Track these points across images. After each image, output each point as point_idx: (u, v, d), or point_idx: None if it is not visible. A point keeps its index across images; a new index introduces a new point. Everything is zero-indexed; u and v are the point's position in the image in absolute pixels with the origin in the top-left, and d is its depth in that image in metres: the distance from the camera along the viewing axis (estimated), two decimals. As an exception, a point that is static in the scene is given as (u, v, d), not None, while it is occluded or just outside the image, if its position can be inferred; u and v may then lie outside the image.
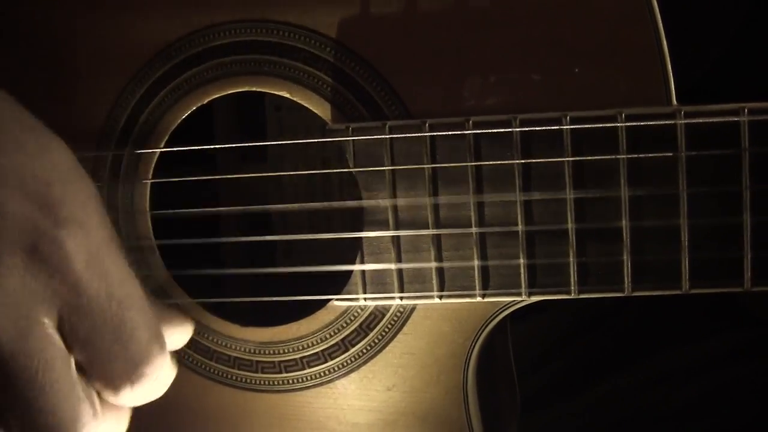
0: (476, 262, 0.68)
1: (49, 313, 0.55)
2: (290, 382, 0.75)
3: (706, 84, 0.76)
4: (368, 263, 0.70)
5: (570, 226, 0.65)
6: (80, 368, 0.57)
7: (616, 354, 0.91)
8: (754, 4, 0.81)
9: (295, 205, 0.84)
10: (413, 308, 0.71)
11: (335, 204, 0.80)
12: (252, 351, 0.76)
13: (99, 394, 0.59)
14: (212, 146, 0.76)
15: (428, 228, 0.68)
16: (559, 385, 0.92)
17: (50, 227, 0.54)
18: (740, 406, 0.86)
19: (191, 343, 0.75)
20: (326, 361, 0.74)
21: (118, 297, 0.57)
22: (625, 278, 0.65)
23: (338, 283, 0.72)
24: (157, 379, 0.60)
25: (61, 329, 0.56)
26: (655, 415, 0.88)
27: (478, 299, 0.68)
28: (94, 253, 0.56)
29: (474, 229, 0.67)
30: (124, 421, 0.62)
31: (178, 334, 0.67)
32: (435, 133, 0.67)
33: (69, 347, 0.57)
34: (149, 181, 0.75)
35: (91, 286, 0.56)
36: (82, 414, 0.57)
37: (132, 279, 0.59)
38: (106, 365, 0.57)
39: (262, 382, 0.76)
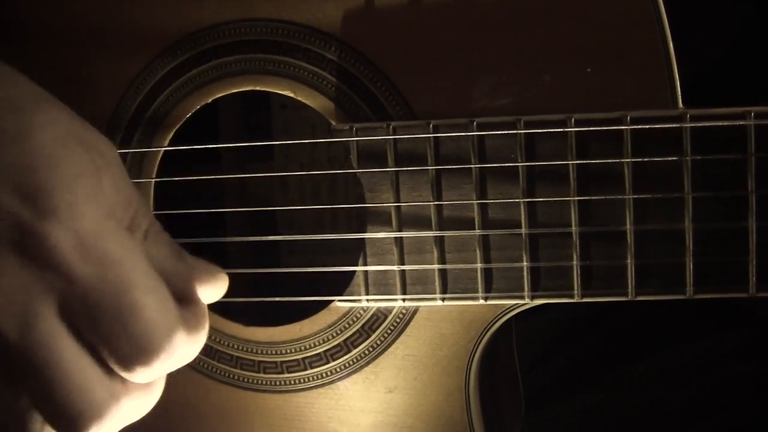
0: (479, 265, 0.67)
1: (49, 304, 0.54)
2: (292, 382, 0.75)
3: (706, 83, 0.76)
4: (371, 264, 0.70)
5: (574, 229, 0.65)
6: (94, 351, 0.56)
7: (617, 352, 0.91)
8: (755, 4, 0.81)
9: (299, 207, 0.84)
10: (416, 310, 0.71)
11: (338, 205, 0.79)
12: (254, 351, 0.75)
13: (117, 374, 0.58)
14: (217, 145, 0.76)
15: (431, 229, 0.68)
16: (559, 383, 0.91)
17: (33, 220, 0.53)
18: (740, 406, 0.85)
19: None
20: (328, 362, 0.74)
21: (113, 280, 0.55)
22: (629, 282, 0.65)
23: (341, 284, 0.72)
24: (172, 354, 0.57)
25: (65, 317, 0.55)
26: (655, 414, 0.87)
27: (481, 302, 0.68)
28: (84, 237, 0.54)
29: (477, 231, 0.67)
30: (152, 394, 0.60)
31: (211, 290, 0.64)
32: (439, 135, 0.67)
33: (77, 333, 0.55)
34: (153, 180, 0.75)
35: (83, 274, 0.54)
36: (101, 398, 0.56)
37: (132, 255, 0.56)
38: (112, 347, 0.56)
39: (264, 382, 0.76)
